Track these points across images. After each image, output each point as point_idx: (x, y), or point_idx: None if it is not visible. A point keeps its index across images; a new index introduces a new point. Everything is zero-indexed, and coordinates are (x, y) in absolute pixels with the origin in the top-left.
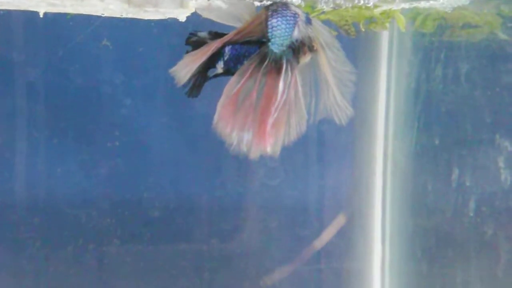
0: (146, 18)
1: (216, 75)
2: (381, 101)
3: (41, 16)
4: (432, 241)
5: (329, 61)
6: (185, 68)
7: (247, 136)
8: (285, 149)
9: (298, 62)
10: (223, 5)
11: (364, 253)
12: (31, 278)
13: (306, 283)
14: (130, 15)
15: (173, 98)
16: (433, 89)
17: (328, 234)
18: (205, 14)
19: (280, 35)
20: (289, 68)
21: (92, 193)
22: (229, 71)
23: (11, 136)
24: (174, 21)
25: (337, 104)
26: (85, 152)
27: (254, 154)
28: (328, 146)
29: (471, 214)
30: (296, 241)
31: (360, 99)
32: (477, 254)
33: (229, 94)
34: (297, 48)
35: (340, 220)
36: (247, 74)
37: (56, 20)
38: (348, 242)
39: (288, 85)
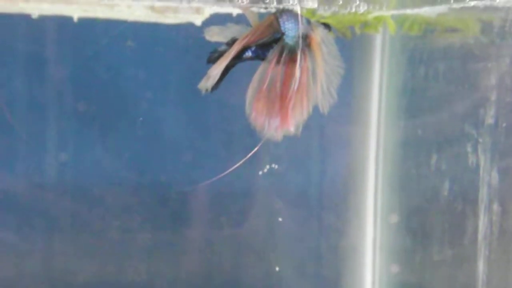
0: (166, 22)
1: (245, 60)
2: (375, 96)
3: (75, 20)
4: (415, 219)
5: (323, 54)
6: (212, 78)
7: (274, 122)
8: (288, 138)
9: (309, 51)
10: (232, 24)
11: (358, 231)
12: (63, 251)
13: (306, 259)
14: (152, 20)
15: (188, 92)
16: (417, 86)
17: None
18: (214, 38)
19: (291, 28)
20: (302, 56)
21: (116, 176)
22: (258, 57)
23: (46, 126)
24: (191, 24)
25: (323, 92)
26: (111, 140)
27: (279, 136)
28: (327, 136)
29: (446, 193)
30: (297, 221)
31: (356, 94)
32: (449, 227)
33: (257, 88)
34: (305, 40)
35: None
36: (271, 68)
37: (87, 23)
38: (344, 221)
39: (302, 71)
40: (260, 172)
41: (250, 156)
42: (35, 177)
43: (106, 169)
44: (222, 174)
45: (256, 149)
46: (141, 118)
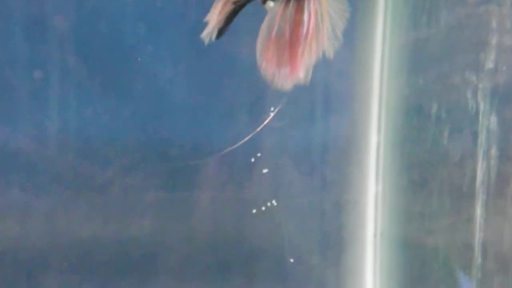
0: None
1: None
2: (378, 49)
3: None
4: (415, 171)
5: None
6: (212, 25)
7: (284, 71)
8: (289, 94)
9: None
10: None
11: (360, 186)
12: (64, 206)
13: (309, 212)
14: None
15: (190, 47)
16: (419, 36)
17: None
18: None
19: None
20: (310, 1)
21: (117, 132)
22: None
23: (46, 83)
24: None
25: (328, 36)
26: (111, 96)
27: (289, 85)
28: (329, 91)
29: (445, 142)
30: (300, 177)
31: (359, 48)
32: (448, 175)
33: (266, 37)
34: None
35: None
36: (279, 15)
37: None
38: (346, 176)
39: (310, 15)
40: (261, 127)
41: (251, 111)
42: (37, 134)
43: (108, 125)
44: (242, 142)
45: (275, 113)
46: (139, 59)
